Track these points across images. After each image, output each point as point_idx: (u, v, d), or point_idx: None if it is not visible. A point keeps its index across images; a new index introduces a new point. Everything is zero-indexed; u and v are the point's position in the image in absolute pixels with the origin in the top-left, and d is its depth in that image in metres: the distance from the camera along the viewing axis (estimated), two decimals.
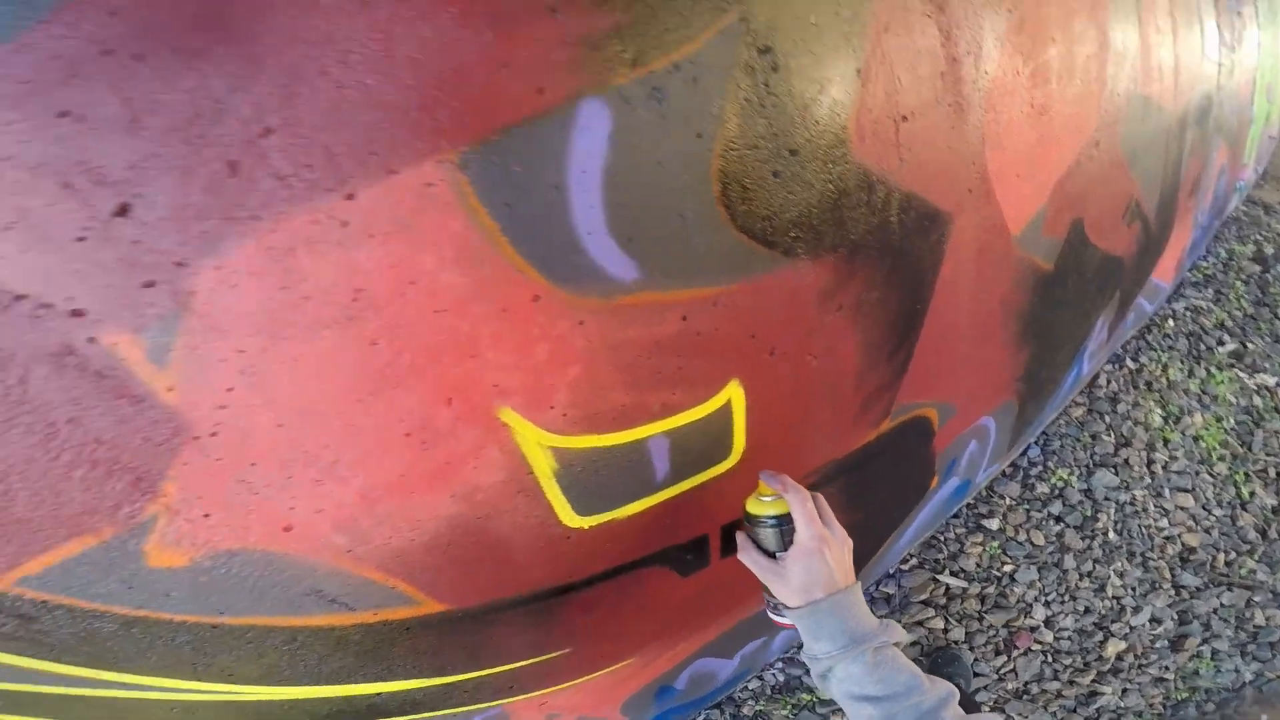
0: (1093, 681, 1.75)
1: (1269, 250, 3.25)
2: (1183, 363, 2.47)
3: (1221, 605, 1.91)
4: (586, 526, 0.80)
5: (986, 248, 1.14)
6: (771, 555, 0.79)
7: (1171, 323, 2.61)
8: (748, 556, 0.81)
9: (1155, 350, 2.48)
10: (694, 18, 0.63)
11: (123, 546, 0.58)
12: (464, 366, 0.61)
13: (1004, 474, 2.03)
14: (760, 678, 1.68)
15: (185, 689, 0.70)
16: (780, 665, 1.69)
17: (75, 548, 0.57)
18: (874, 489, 1.27)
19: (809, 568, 0.76)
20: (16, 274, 0.47)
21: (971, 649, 1.75)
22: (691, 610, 1.08)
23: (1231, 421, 2.33)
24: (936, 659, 1.72)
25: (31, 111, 0.44)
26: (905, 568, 1.85)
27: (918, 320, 1.06)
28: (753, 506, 0.80)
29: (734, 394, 0.82)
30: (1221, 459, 2.22)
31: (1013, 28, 1.05)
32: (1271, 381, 2.49)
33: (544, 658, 0.92)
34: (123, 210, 0.47)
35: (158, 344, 0.51)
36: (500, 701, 0.95)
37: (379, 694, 0.81)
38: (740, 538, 0.82)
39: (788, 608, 0.77)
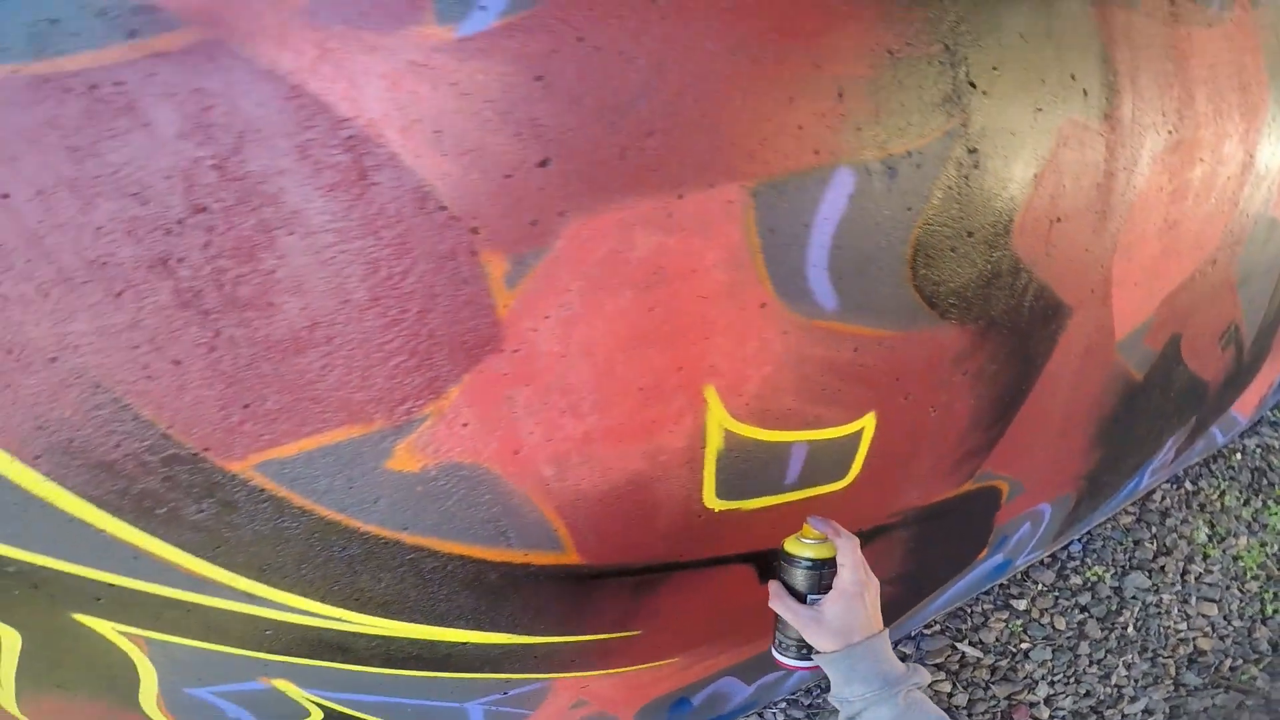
0: None
1: None
2: (1241, 493, 2.51)
3: (1213, 705, 1.94)
4: (717, 510, 0.92)
5: (1093, 347, 1.25)
6: (801, 599, 0.81)
7: (1239, 456, 2.65)
8: (780, 603, 0.82)
9: (1217, 478, 2.52)
10: (931, 119, 0.79)
11: (379, 443, 0.66)
12: (700, 344, 0.75)
13: (1042, 562, 2.11)
14: (760, 715, 1.74)
15: (299, 607, 0.75)
16: (783, 706, 1.76)
17: (340, 435, 0.65)
18: (937, 544, 1.37)
19: (850, 610, 0.77)
20: (450, 190, 0.60)
21: (970, 716, 1.82)
22: (750, 619, 1.16)
23: (1275, 548, 2.37)
24: None
25: (520, 69, 0.59)
26: (927, 632, 1.92)
27: (1020, 398, 1.17)
28: (792, 546, 0.82)
29: (868, 424, 0.95)
30: (1255, 578, 2.26)
31: (1169, 148, 1.17)
32: None
33: (617, 635, 0.99)
34: (543, 163, 0.62)
35: (517, 269, 0.64)
36: (554, 675, 1.01)
37: (464, 644, 0.87)
38: (773, 585, 0.83)
39: (818, 652, 0.79)
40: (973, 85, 0.82)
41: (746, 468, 0.89)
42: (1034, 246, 0.97)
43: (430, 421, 0.67)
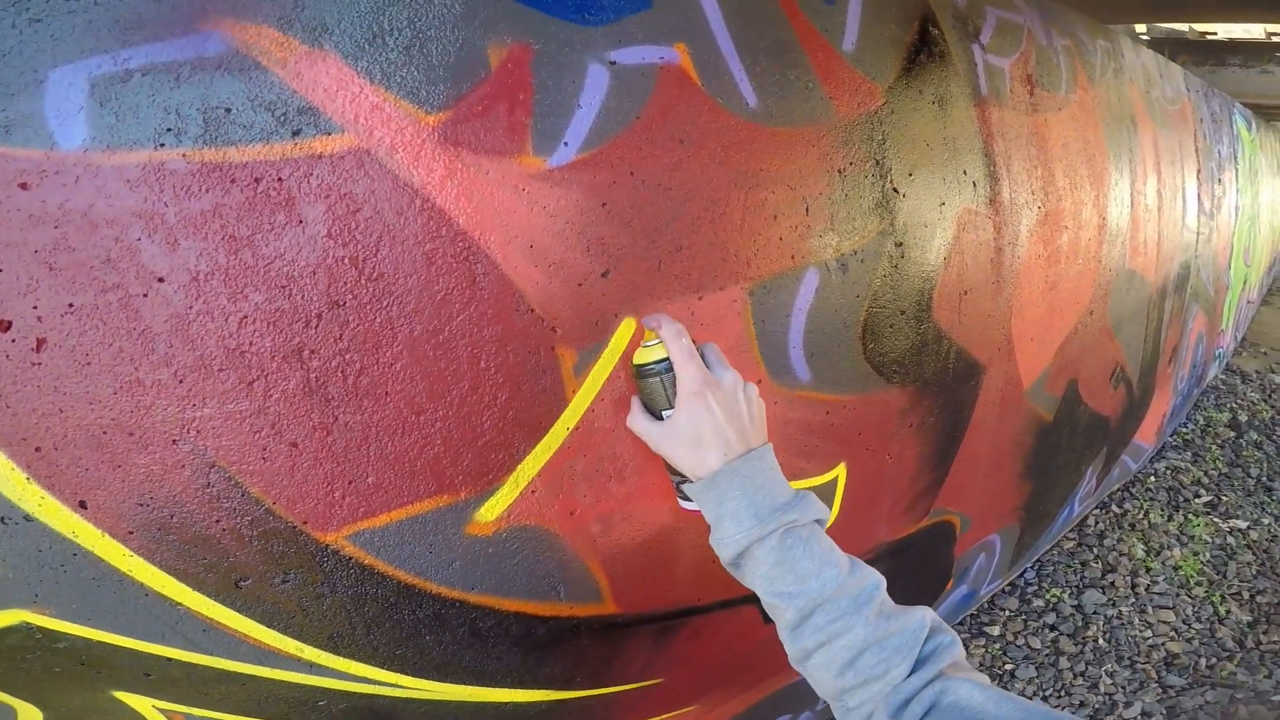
0: None
1: (1243, 418, 3.64)
2: (1163, 510, 2.80)
3: (1207, 702, 2.02)
4: None
5: (1006, 396, 1.51)
6: (658, 416, 0.74)
7: (1153, 479, 2.97)
8: (635, 420, 0.74)
9: (1139, 499, 2.82)
10: (869, 222, 1.03)
11: (463, 510, 0.72)
12: None
13: (1004, 591, 2.31)
14: None
15: (358, 674, 0.76)
16: None
17: (426, 506, 0.70)
18: (906, 576, 1.55)
19: (695, 420, 0.68)
20: (538, 295, 0.72)
21: None
22: (765, 656, 1.20)
23: (1207, 555, 2.60)
24: None
25: (592, 196, 0.74)
26: None
27: (956, 444, 1.41)
28: (638, 356, 0.75)
29: (840, 472, 1.15)
30: (1199, 584, 2.45)
31: (1039, 220, 1.45)
32: (1243, 525, 2.79)
33: (642, 684, 1.03)
34: (605, 273, 0.76)
35: (583, 361, 0.77)
36: None
37: (507, 704, 0.89)
38: (632, 402, 0.77)
39: (689, 482, 0.70)
40: (896, 190, 1.07)
41: None
42: (950, 317, 1.23)
43: (506, 489, 0.75)
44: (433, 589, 0.74)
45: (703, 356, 0.73)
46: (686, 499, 0.75)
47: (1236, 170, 3.20)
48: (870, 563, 1.25)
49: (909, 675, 0.58)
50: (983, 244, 1.28)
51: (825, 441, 1.08)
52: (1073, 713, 1.92)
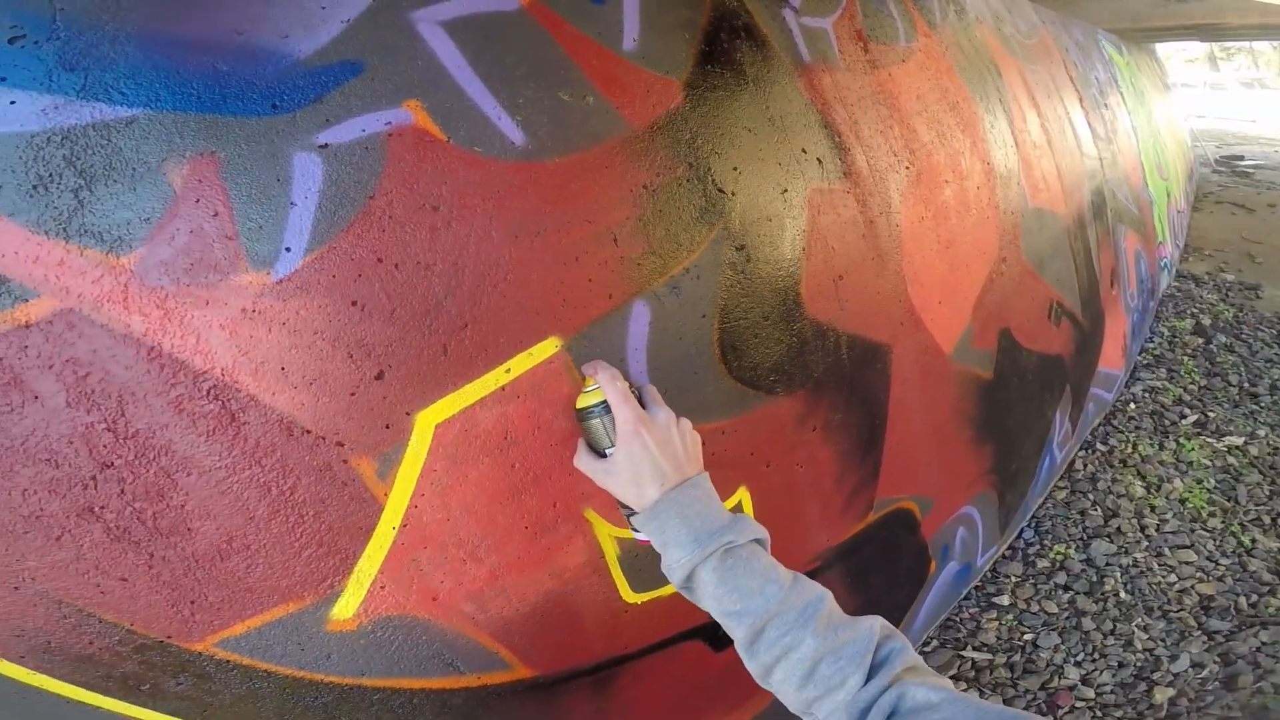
0: None
1: (1206, 322, 3.58)
2: (1151, 438, 2.71)
3: (1263, 644, 1.90)
4: (639, 602, 1.01)
5: (927, 367, 1.45)
6: (602, 455, 0.77)
7: (1133, 405, 2.88)
8: (580, 460, 0.78)
9: (1123, 432, 2.73)
10: (695, 233, 0.97)
11: (315, 612, 0.73)
12: (565, 481, 0.87)
13: (1004, 556, 2.20)
14: None
15: None
16: None
17: (279, 613, 0.71)
18: (872, 573, 1.48)
19: (631, 453, 0.72)
20: (308, 415, 0.69)
21: None
22: (727, 683, 1.19)
23: (1211, 481, 2.48)
24: None
25: (337, 299, 0.69)
26: (928, 649, 1.93)
27: (879, 433, 1.34)
28: (579, 401, 0.79)
29: (743, 496, 1.08)
30: (1213, 515, 2.34)
31: (912, 181, 1.38)
32: (1239, 441, 2.69)
33: None
34: (380, 376, 0.72)
35: (384, 465, 0.74)
36: None
37: None
38: (579, 444, 0.80)
39: (635, 513, 0.74)
40: (721, 191, 1.00)
41: (648, 561, 1.00)
42: (828, 307, 1.17)
43: (352, 589, 0.75)
44: (322, 678, 0.76)
45: (640, 397, 0.78)
46: (637, 530, 0.78)
47: (1121, 94, 3.23)
48: (818, 570, 1.25)
49: (866, 683, 0.61)
50: (847, 222, 1.22)
51: (711, 471, 1.01)
52: (1114, 674, 1.82)
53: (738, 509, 1.08)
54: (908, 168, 1.39)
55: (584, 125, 0.87)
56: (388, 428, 0.75)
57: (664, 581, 1.03)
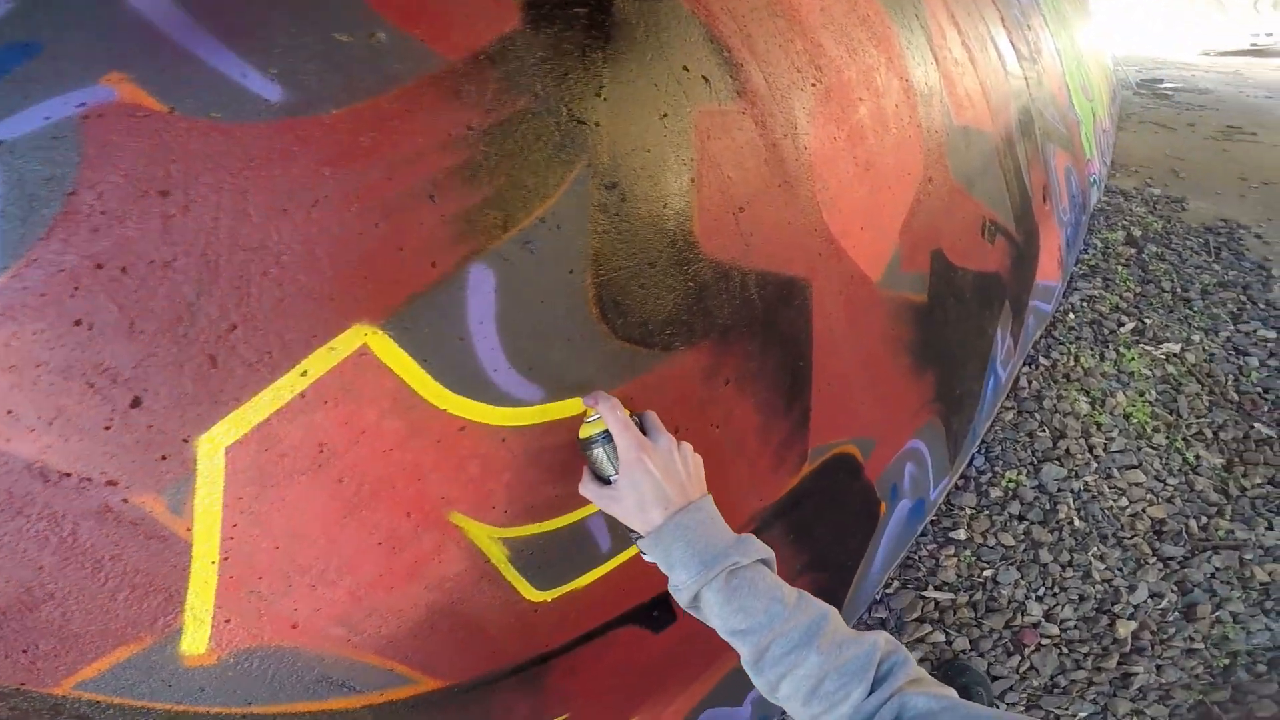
0: (1119, 664, 1.74)
1: (1137, 233, 3.62)
2: (1092, 349, 2.69)
3: (1216, 570, 1.93)
4: (550, 599, 0.91)
5: (853, 298, 1.32)
6: (607, 482, 0.78)
7: (1072, 315, 2.86)
8: (585, 488, 0.79)
9: (1064, 344, 2.70)
10: (549, 175, 0.81)
11: (161, 650, 0.68)
12: (415, 487, 0.75)
13: (957, 486, 2.16)
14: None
15: None
16: None
17: (123, 654, 0.67)
18: (817, 525, 1.39)
19: (633, 480, 0.73)
20: (62, 457, 0.60)
21: (980, 655, 1.78)
22: (676, 662, 1.16)
23: (1153, 393, 2.50)
24: (947, 671, 1.74)
25: (53, 321, 0.57)
26: (890, 591, 1.91)
27: (804, 375, 1.22)
28: (581, 431, 0.79)
29: None
30: (1156, 430, 2.35)
31: (821, 99, 1.23)
32: (1177, 348, 2.71)
33: None
34: (135, 403, 0.61)
35: (175, 499, 0.64)
36: None
37: None
38: (584, 472, 0.81)
39: (640, 536, 0.75)
40: (581, 122, 0.84)
41: (551, 556, 0.89)
42: (729, 244, 1.03)
43: (192, 626, 0.69)
44: (206, 710, 0.72)
45: (641, 424, 0.79)
46: (644, 552, 0.78)
47: (1044, 16, 3.19)
48: (758, 530, 1.15)
49: (868, 695, 0.62)
50: (745, 146, 1.06)
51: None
52: (1075, 608, 1.85)
53: None
54: (814, 84, 1.24)
55: (373, 67, 0.70)
56: (164, 459, 0.64)
57: (575, 576, 0.94)
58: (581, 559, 0.93)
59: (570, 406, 0.86)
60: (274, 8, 0.66)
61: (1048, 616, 1.85)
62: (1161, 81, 7.78)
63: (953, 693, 0.62)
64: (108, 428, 0.61)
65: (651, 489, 0.73)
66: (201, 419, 0.64)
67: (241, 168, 0.64)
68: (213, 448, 0.65)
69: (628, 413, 0.77)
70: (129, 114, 0.60)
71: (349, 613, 0.76)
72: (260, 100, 0.65)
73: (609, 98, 0.88)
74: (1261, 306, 3.02)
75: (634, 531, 0.77)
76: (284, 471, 0.68)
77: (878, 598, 1.92)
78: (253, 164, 0.64)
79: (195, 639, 0.70)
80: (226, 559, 0.68)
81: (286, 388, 0.67)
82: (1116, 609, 1.85)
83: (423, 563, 0.78)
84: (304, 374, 0.67)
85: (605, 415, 0.76)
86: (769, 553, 0.75)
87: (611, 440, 0.76)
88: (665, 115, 0.94)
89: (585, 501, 0.84)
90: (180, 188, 0.61)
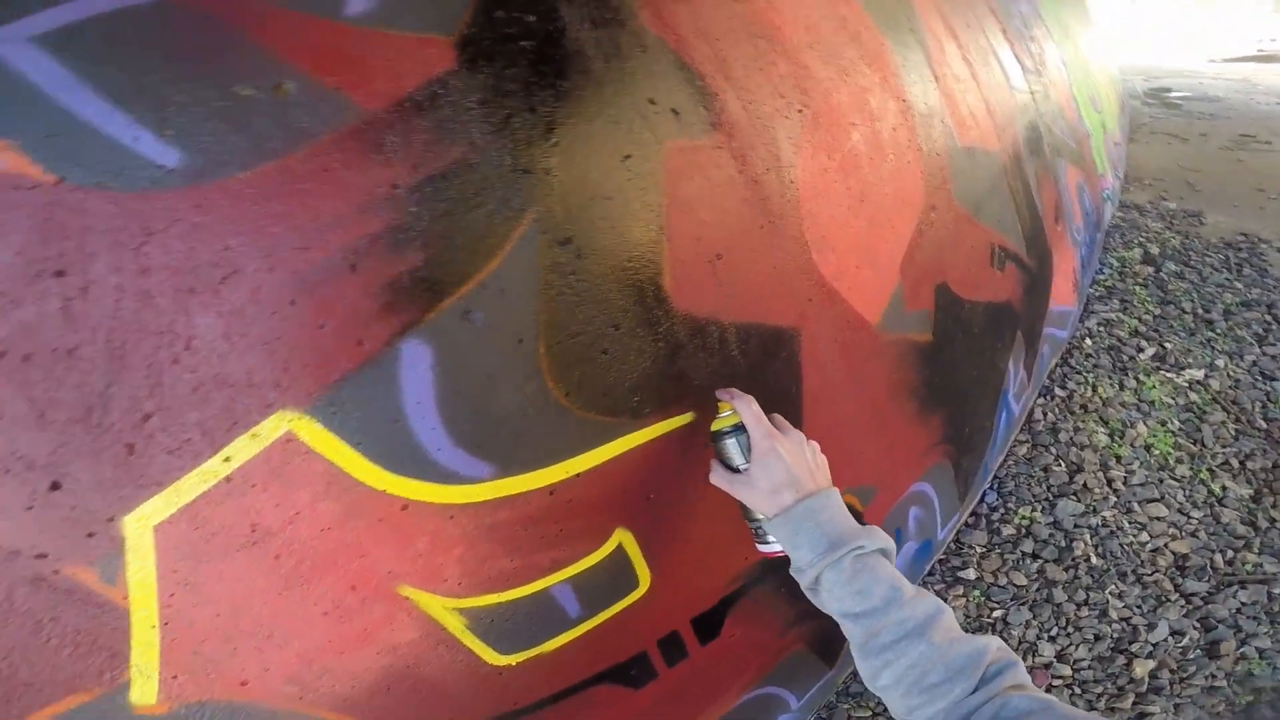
0: (1135, 704, 1.65)
1: (1154, 250, 3.48)
2: (1111, 377, 2.57)
3: (1243, 605, 1.83)
4: (514, 664, 0.85)
5: (850, 344, 1.22)
6: (736, 471, 0.82)
7: (1089, 341, 2.74)
8: (716, 476, 0.84)
9: (1081, 373, 2.58)
10: (490, 234, 0.73)
11: (111, 700, 0.67)
12: (357, 563, 0.71)
13: (967, 524, 2.06)
14: None
15: None
16: None
17: (72, 703, 0.66)
18: None
19: (768, 467, 0.78)
20: None
21: None
22: (670, 701, 1.08)
23: (1176, 423, 2.37)
24: None
25: None
26: None
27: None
28: (714, 424, 0.84)
29: (623, 538, 0.89)
30: (1180, 461, 2.23)
31: (808, 125, 1.13)
32: (1200, 375, 2.57)
33: None
34: (55, 486, 0.60)
35: (107, 571, 0.63)
36: None
37: None
38: (712, 463, 0.85)
39: (767, 520, 0.79)
40: (527, 171, 0.75)
41: (513, 625, 0.83)
42: (704, 298, 0.94)
43: (139, 680, 0.68)
44: None
45: (772, 422, 0.83)
46: (764, 541, 0.84)
47: (1046, 26, 3.06)
48: (749, 586, 1.15)
49: (972, 693, 0.63)
50: (722, 184, 0.96)
51: (566, 522, 0.82)
52: (1090, 648, 1.75)
53: (620, 555, 0.88)
54: (800, 111, 1.14)
55: (281, 122, 0.63)
56: (90, 536, 0.62)
57: (539, 641, 0.86)
58: (548, 626, 0.86)
59: (528, 481, 0.78)
60: (168, 61, 0.59)
61: (1060, 657, 1.74)
62: (1170, 90, 7.64)
63: (1053, 698, 0.62)
64: (29, 508, 0.60)
65: (784, 474, 0.77)
66: (125, 501, 0.62)
67: (140, 243, 0.58)
68: (141, 526, 0.63)
69: (760, 408, 0.82)
70: (13, 185, 0.55)
71: (299, 673, 0.73)
72: (154, 166, 0.59)
73: (561, 141, 0.79)
74: None
75: (757, 518, 0.82)
76: (217, 549, 0.66)
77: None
78: (152, 238, 0.59)
79: (144, 691, 0.69)
80: (167, 624, 0.66)
81: (210, 473, 0.64)
82: (1134, 648, 1.75)
83: (374, 630, 0.75)
84: (227, 460, 0.65)
85: (740, 409, 0.81)
86: (890, 544, 0.77)
87: (743, 432, 0.81)
88: (629, 156, 0.86)
89: (545, 571, 0.83)
90: (76, 267, 0.57)
